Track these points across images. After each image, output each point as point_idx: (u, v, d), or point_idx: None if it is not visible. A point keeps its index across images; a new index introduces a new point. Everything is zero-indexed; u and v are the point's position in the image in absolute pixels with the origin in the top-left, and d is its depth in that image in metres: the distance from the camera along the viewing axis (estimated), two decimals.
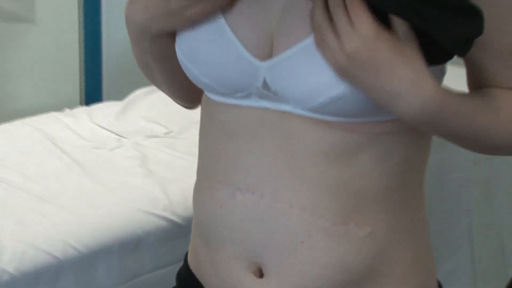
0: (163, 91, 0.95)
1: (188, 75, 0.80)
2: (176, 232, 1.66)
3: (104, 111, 2.34)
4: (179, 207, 1.69)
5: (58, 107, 2.37)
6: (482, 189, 2.02)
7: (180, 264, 0.96)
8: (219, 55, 0.75)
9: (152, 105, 2.30)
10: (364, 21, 0.62)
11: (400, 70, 0.65)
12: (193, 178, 0.91)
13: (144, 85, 2.33)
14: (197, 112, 0.99)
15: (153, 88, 2.17)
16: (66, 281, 1.52)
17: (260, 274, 0.80)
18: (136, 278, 1.63)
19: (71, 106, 2.42)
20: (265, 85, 0.75)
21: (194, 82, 0.81)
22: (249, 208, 0.79)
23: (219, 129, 0.80)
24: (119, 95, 2.50)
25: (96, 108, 2.38)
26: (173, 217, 1.66)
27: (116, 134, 2.14)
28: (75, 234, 1.54)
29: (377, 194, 0.78)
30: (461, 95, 0.72)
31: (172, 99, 0.96)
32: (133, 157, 1.96)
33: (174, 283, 0.97)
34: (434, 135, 0.74)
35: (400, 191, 0.79)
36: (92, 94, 2.69)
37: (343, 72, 0.66)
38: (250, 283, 0.79)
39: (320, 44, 0.66)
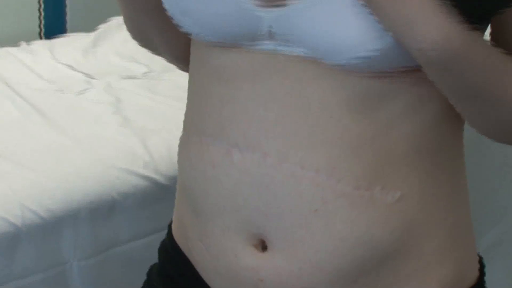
0: (166, 58, 0.97)
1: (180, 28, 0.80)
2: (159, 194, 1.66)
3: (69, 45, 2.32)
4: (162, 163, 1.68)
5: (13, 41, 2.34)
6: None
7: (165, 232, 0.96)
8: (213, 3, 0.75)
9: (127, 38, 2.27)
10: None
11: None
12: (179, 128, 0.90)
13: (117, 14, 2.31)
14: None
15: None
16: (25, 252, 1.52)
17: (263, 247, 0.80)
18: (110, 249, 1.63)
19: (29, 39, 2.39)
20: (271, 36, 0.75)
21: (189, 35, 0.81)
22: (248, 169, 0.78)
23: (213, 74, 0.80)
24: (87, 26, 2.47)
25: (59, 42, 2.36)
26: (155, 176, 1.66)
27: (84, 74, 2.12)
28: (35, 196, 1.54)
29: (407, 153, 0.77)
30: (489, 44, 0.72)
31: (175, 64, 0.98)
32: (106, 102, 1.95)
33: (155, 256, 0.97)
34: (448, 91, 0.74)
35: (435, 149, 0.79)
36: (54, 24, 2.66)
37: None
38: (250, 257, 0.79)
39: None
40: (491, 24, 0.77)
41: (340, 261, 0.77)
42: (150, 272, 0.98)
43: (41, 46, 2.30)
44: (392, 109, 0.75)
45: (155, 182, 1.66)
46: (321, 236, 0.77)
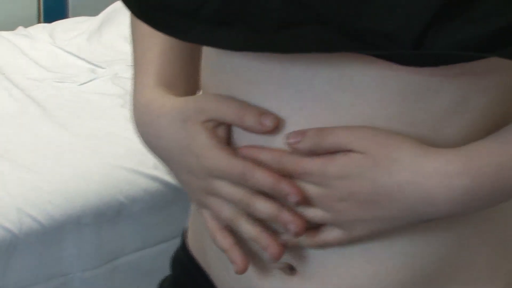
0: None
1: None
2: (171, 197, 1.68)
3: (71, 30, 2.34)
4: None
5: (9, 25, 2.38)
6: None
7: (176, 240, 0.95)
8: None
9: None
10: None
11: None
12: None
13: None
14: None
15: None
16: (21, 261, 1.53)
17: (291, 269, 0.79)
18: (115, 259, 1.65)
19: (26, 23, 2.43)
20: None
21: None
22: None
23: (234, 76, 0.77)
24: (91, 9, 2.49)
25: (60, 26, 2.38)
26: (167, 178, 1.66)
27: (89, 62, 2.15)
28: (34, 200, 1.56)
29: None
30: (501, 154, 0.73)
31: None
32: (113, 94, 1.97)
33: (166, 267, 0.97)
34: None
35: None
36: (54, 6, 2.67)
37: None
38: (276, 281, 0.79)
39: None
40: None
41: (378, 287, 0.77)
42: (161, 286, 0.97)
43: (40, 30, 2.32)
44: (435, 105, 0.74)
45: (166, 185, 1.68)
46: (360, 258, 0.76)
